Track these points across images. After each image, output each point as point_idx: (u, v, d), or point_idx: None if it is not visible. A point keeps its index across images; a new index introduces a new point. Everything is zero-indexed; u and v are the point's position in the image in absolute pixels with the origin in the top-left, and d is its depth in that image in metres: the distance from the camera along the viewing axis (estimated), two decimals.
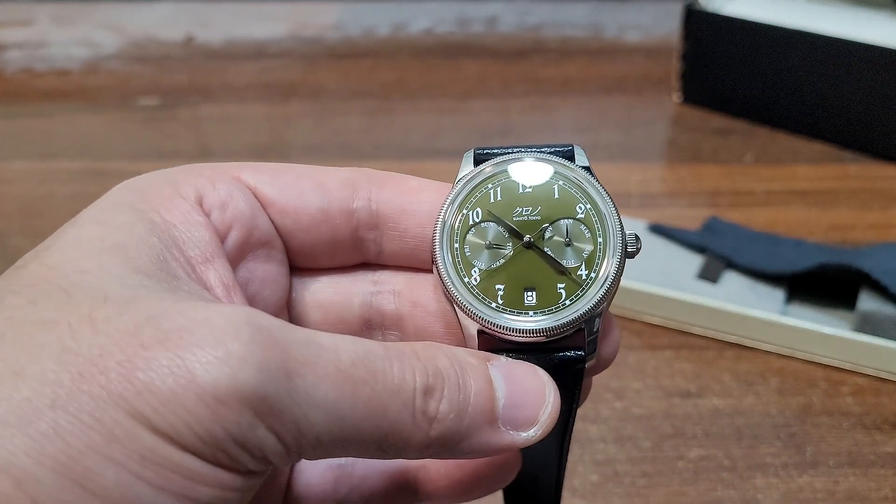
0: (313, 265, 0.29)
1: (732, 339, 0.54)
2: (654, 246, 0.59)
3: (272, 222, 0.27)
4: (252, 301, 0.27)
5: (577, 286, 0.27)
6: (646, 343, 0.54)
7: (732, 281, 0.56)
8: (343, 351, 0.22)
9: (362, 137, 0.77)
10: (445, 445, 0.24)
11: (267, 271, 0.27)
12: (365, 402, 0.22)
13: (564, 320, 0.26)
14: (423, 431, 0.23)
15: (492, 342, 0.26)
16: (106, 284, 0.21)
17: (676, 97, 0.82)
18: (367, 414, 0.22)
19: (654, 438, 0.47)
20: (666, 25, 0.95)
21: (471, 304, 0.26)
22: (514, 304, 0.26)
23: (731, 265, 0.57)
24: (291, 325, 0.22)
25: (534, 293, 0.27)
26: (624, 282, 0.33)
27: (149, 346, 0.20)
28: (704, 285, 0.55)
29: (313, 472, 0.30)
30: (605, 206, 0.27)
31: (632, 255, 0.27)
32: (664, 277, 0.55)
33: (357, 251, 0.29)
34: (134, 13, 1.01)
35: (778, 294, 0.55)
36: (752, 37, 0.75)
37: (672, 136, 0.78)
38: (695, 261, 0.58)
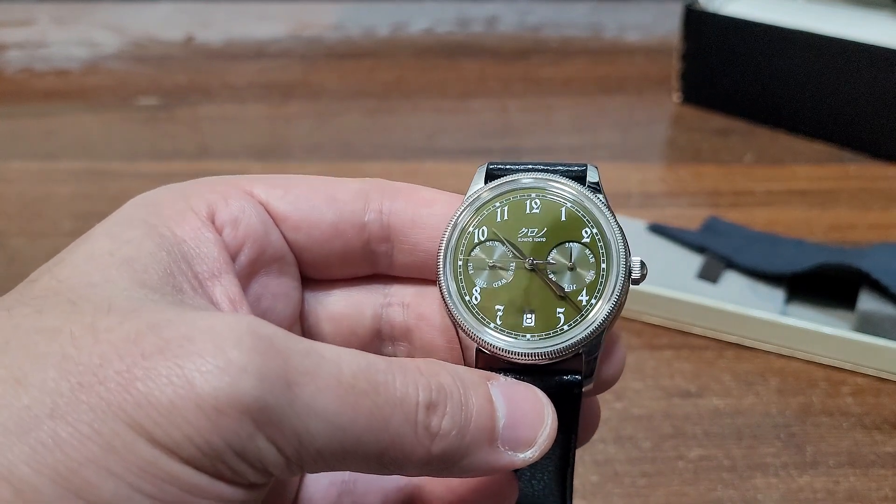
0: (326, 277, 0.29)
1: (732, 339, 0.54)
2: (653, 246, 0.59)
3: (284, 237, 0.27)
4: (265, 315, 0.27)
5: (577, 311, 0.26)
6: (645, 343, 0.54)
7: (732, 281, 0.56)
8: (345, 363, 0.22)
9: (362, 137, 0.77)
10: (446, 462, 0.24)
11: (279, 286, 0.28)
12: (366, 415, 0.22)
13: (561, 346, 0.26)
14: (424, 447, 0.23)
15: (491, 361, 0.26)
16: (111, 296, 0.21)
17: (676, 97, 0.82)
18: (369, 426, 0.22)
19: (653, 438, 0.47)
20: (666, 25, 0.95)
21: (469, 324, 0.26)
22: (513, 326, 0.26)
23: (731, 265, 0.57)
24: (293, 335, 0.22)
25: (533, 316, 0.26)
26: None
27: (148, 355, 0.20)
28: (704, 285, 0.55)
29: (317, 488, 0.30)
30: (612, 232, 0.27)
31: (636, 282, 0.27)
32: (664, 277, 0.55)
33: (369, 263, 0.29)
34: (134, 13, 1.01)
35: (778, 294, 0.55)
36: (752, 37, 0.75)
37: (672, 137, 0.78)
38: (695, 261, 0.58)
